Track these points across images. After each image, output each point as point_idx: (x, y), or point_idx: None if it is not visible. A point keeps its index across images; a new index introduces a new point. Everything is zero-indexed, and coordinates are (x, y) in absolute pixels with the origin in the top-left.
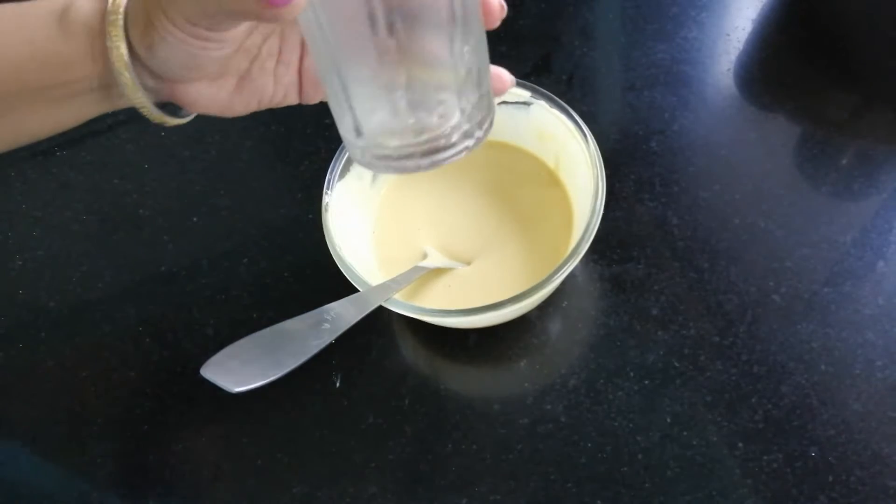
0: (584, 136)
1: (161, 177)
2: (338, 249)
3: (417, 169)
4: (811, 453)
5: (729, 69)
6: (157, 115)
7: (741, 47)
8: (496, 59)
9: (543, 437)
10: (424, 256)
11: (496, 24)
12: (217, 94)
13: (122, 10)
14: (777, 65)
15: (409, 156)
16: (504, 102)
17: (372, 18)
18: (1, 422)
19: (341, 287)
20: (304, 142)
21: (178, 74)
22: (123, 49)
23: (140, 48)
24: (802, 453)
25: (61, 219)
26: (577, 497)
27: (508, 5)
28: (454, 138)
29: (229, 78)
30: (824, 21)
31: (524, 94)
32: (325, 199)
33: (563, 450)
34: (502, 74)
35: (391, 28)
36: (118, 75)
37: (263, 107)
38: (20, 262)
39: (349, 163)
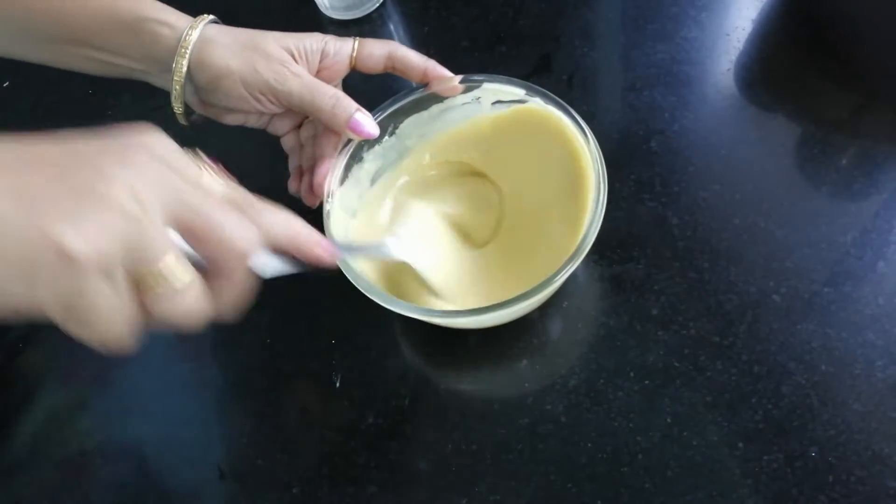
0: (585, 135)
1: None
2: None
3: None
4: (811, 453)
5: (729, 69)
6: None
7: (741, 47)
8: (497, 58)
9: (544, 438)
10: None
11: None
12: (243, 120)
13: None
14: (777, 65)
15: None
16: (505, 102)
17: None
18: (0, 422)
19: (342, 288)
20: None
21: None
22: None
23: (200, 79)
24: (803, 453)
25: None
26: (577, 497)
27: (509, 5)
28: None
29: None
30: (824, 21)
31: (523, 94)
32: (326, 207)
33: (563, 450)
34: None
35: None
36: (173, 87)
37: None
38: None
39: (347, 169)
